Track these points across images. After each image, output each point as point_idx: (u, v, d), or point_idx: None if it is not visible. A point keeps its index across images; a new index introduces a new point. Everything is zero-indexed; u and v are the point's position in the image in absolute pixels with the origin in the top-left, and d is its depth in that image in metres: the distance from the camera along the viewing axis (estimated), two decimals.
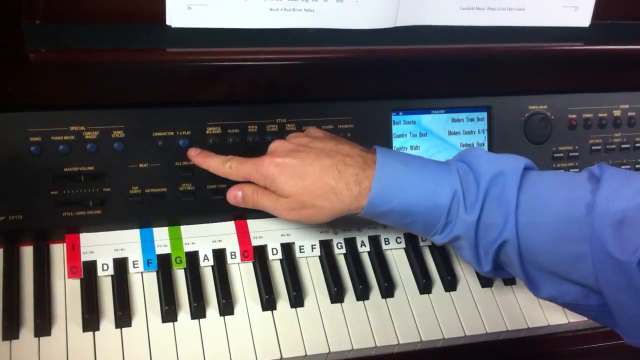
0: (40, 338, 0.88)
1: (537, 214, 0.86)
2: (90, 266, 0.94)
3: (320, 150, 0.93)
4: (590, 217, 0.82)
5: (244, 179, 0.96)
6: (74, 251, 0.95)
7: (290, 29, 1.00)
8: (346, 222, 1.03)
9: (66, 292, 0.93)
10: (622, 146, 1.20)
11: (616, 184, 0.83)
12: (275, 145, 0.96)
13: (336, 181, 0.90)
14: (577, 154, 1.17)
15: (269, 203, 0.95)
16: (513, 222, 0.86)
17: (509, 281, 1.06)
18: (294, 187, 0.91)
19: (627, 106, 1.21)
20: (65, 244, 0.96)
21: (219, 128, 1.01)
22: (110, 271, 0.95)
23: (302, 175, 0.91)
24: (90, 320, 0.90)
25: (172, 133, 0.99)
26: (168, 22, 0.94)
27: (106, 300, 0.93)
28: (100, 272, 0.94)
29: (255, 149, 1.01)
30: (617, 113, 1.20)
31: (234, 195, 0.98)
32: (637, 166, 1.21)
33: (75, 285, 0.93)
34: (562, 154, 1.16)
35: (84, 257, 0.95)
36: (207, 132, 1.00)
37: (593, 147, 1.19)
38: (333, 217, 0.94)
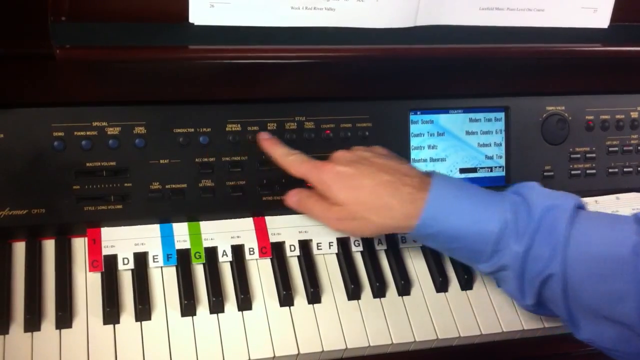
0: (62, 330, 0.89)
1: (584, 250, 0.87)
2: (111, 260, 0.96)
3: (380, 166, 0.94)
4: (636, 258, 0.83)
5: (301, 176, 0.98)
6: (95, 245, 0.96)
7: (311, 27, 1.00)
8: None
9: (87, 285, 0.94)
10: (639, 148, 1.20)
11: None
12: (338, 154, 0.98)
13: (391, 197, 0.91)
14: (594, 155, 1.18)
15: (320, 210, 0.97)
16: (561, 256, 0.87)
17: None
18: (348, 196, 0.93)
19: None
20: (86, 238, 0.97)
21: (239, 125, 1.02)
22: (131, 265, 0.96)
23: (358, 186, 0.92)
24: (111, 314, 0.91)
25: (192, 130, 1.00)
26: (191, 20, 0.95)
27: (126, 294, 0.94)
28: (120, 266, 0.96)
29: None
30: (634, 115, 1.20)
31: (291, 200, 1.00)
32: None
33: (96, 278, 0.95)
34: (579, 155, 1.17)
35: (105, 251, 0.96)
36: (227, 129, 1.01)
37: (610, 149, 1.19)
38: (380, 233, 0.97)
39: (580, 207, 0.91)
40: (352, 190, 0.92)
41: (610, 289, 0.84)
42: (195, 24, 0.96)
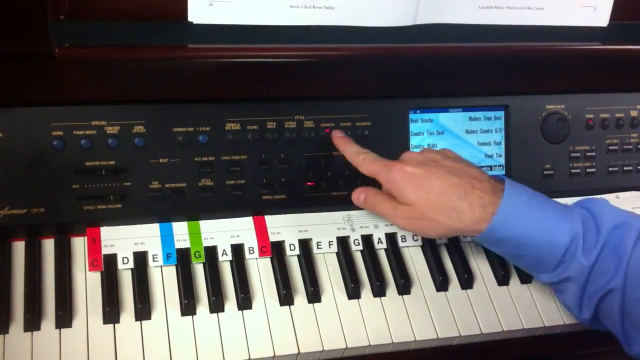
0: (61, 330, 0.89)
1: None
2: (111, 259, 0.95)
3: (450, 168, 0.95)
4: None
5: (371, 174, 0.98)
6: (94, 244, 0.96)
7: (310, 26, 1.00)
8: (364, 219, 1.04)
9: (87, 284, 0.94)
10: (639, 146, 1.20)
11: None
12: (408, 155, 0.98)
13: (460, 200, 0.91)
14: (594, 154, 1.17)
15: (387, 208, 0.97)
16: (623, 273, 0.87)
17: (526, 279, 1.06)
18: (418, 197, 0.93)
19: None
20: (86, 237, 0.97)
21: (238, 124, 1.02)
22: (131, 264, 0.96)
23: (428, 187, 0.93)
24: (111, 313, 0.91)
25: (192, 129, 1.00)
26: (190, 19, 0.95)
27: (126, 293, 0.94)
28: (120, 266, 0.95)
29: (273, 145, 1.02)
30: (634, 113, 1.20)
31: (357, 197, 1.01)
32: None
33: (95, 278, 0.94)
34: (579, 154, 1.17)
35: (105, 251, 0.96)
36: (226, 128, 1.01)
37: (610, 147, 1.19)
38: (447, 235, 0.97)
39: None
40: (422, 191, 0.93)
41: None
42: (195, 22, 0.96)
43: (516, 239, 0.91)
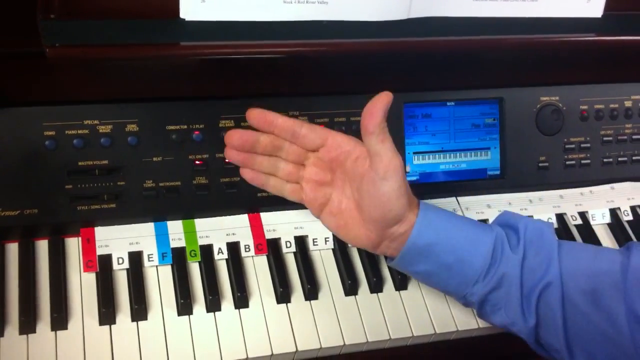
0: (57, 332, 0.89)
1: (574, 266, 0.88)
2: (106, 260, 0.95)
3: None
4: (624, 278, 0.84)
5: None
6: (89, 245, 0.95)
7: (303, 21, 0.99)
8: None
9: (82, 286, 0.93)
10: (634, 137, 1.20)
11: None
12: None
13: None
14: (588, 145, 1.17)
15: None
16: (557, 265, 0.88)
17: None
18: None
19: (638, 97, 1.21)
20: (80, 238, 0.96)
21: (232, 121, 1.01)
22: (126, 265, 0.95)
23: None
24: (107, 314, 0.90)
25: (185, 127, 0.99)
26: (182, 16, 0.94)
27: (122, 294, 0.93)
28: (115, 266, 0.95)
29: None
30: (628, 104, 1.20)
31: None
32: None
33: (90, 279, 0.94)
34: (573, 145, 1.16)
35: (99, 251, 0.95)
36: (220, 125, 1.00)
37: (604, 138, 1.19)
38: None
39: None
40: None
41: (602, 305, 0.85)
42: (187, 19, 0.95)
43: (443, 243, 0.89)
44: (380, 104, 0.87)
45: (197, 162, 1.00)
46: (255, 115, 0.93)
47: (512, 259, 0.88)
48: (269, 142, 0.93)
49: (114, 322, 0.91)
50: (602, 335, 0.85)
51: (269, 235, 1.01)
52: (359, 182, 0.89)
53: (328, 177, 0.93)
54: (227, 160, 1.00)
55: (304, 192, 0.95)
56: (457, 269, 0.90)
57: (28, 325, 0.88)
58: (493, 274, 0.89)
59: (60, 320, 0.89)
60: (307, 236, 1.03)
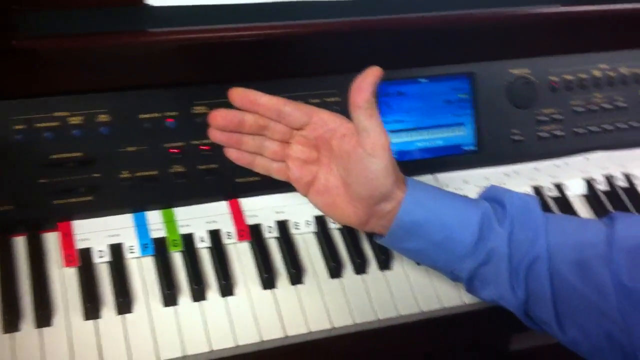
0: (42, 329, 0.86)
1: (562, 240, 0.88)
2: (86, 253, 0.93)
3: None
4: (609, 249, 0.84)
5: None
6: (67, 239, 0.93)
7: (271, 2, 0.98)
8: None
9: (64, 281, 0.91)
10: (604, 106, 1.21)
11: (629, 220, 0.88)
12: None
13: None
14: (561, 117, 1.18)
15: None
16: (543, 238, 0.87)
17: None
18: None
19: (606, 66, 1.22)
20: (58, 233, 0.94)
21: (206, 107, 0.99)
22: (107, 257, 0.93)
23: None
24: (91, 309, 0.88)
25: (158, 115, 0.98)
26: (148, 1, 0.92)
27: (105, 287, 0.91)
28: (96, 259, 0.93)
29: None
30: (597, 73, 1.21)
31: None
32: (619, 125, 1.22)
33: (72, 273, 0.92)
34: (546, 118, 1.17)
35: (79, 245, 0.93)
36: (194, 111, 0.99)
37: (575, 109, 1.19)
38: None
39: None
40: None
41: (589, 276, 0.85)
42: (154, 5, 0.93)
43: (431, 221, 0.88)
44: (369, 78, 0.85)
45: (172, 150, 0.98)
46: (238, 94, 0.90)
47: (499, 233, 0.88)
48: (254, 121, 0.91)
49: (99, 317, 0.89)
50: (590, 307, 0.85)
51: (250, 221, 1.00)
52: (345, 159, 0.88)
53: (314, 155, 0.92)
54: (202, 148, 0.99)
55: (290, 171, 0.93)
56: (445, 245, 0.89)
57: (12, 323, 0.85)
58: (481, 249, 0.88)
59: (44, 317, 0.87)
60: (288, 220, 1.02)
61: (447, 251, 0.90)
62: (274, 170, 0.94)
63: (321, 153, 0.92)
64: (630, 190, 1.19)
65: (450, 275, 0.93)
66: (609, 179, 1.19)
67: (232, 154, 0.93)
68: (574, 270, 0.86)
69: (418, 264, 1.02)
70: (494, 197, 0.93)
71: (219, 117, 0.90)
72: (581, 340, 0.87)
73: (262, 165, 0.94)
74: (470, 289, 0.93)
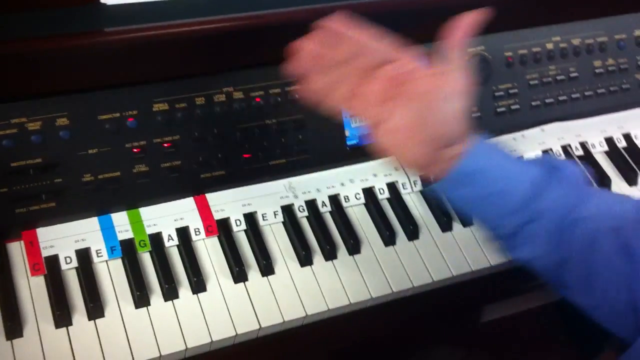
0: (13, 341, 0.85)
1: (605, 207, 0.89)
2: (53, 261, 0.92)
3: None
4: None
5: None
6: (33, 247, 0.92)
7: None
8: (305, 184, 1.05)
9: (31, 290, 0.90)
10: (558, 78, 1.23)
11: None
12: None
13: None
14: (516, 91, 1.19)
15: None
16: (590, 204, 0.88)
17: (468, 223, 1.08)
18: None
19: (558, 38, 1.23)
20: (22, 242, 0.92)
21: (166, 104, 0.99)
22: (74, 263, 0.92)
23: None
24: (62, 316, 0.88)
25: (118, 114, 0.97)
26: (103, 0, 0.91)
27: (75, 294, 0.91)
28: (64, 266, 0.92)
29: (205, 121, 1.00)
30: (550, 46, 1.22)
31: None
32: (572, 96, 1.23)
33: (39, 282, 0.91)
34: (502, 93, 1.18)
35: (45, 253, 0.92)
36: (154, 109, 0.98)
37: (530, 82, 1.21)
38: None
39: None
40: None
41: (625, 247, 0.86)
42: (108, 3, 0.92)
43: (493, 170, 0.88)
44: (470, 19, 0.86)
45: (134, 149, 0.97)
46: (335, 22, 0.88)
47: (551, 194, 0.88)
48: (335, 55, 0.88)
49: (71, 324, 0.88)
50: (621, 277, 0.86)
51: (217, 216, 1.00)
52: (424, 99, 0.86)
53: (391, 93, 0.90)
54: (165, 145, 0.98)
55: (364, 108, 0.89)
56: (500, 197, 0.89)
57: None
58: (533, 207, 0.88)
59: (14, 328, 0.86)
60: (256, 212, 1.02)
61: (500, 203, 0.89)
62: (349, 105, 0.90)
63: (399, 91, 0.90)
64: (587, 157, 1.22)
65: (493, 231, 0.92)
66: (566, 148, 1.21)
67: (313, 84, 0.89)
68: (611, 240, 0.87)
69: (386, 245, 1.03)
70: (550, 161, 0.93)
71: (305, 46, 0.88)
72: (603, 306, 0.88)
73: (338, 100, 0.89)
74: (507, 245, 0.93)
